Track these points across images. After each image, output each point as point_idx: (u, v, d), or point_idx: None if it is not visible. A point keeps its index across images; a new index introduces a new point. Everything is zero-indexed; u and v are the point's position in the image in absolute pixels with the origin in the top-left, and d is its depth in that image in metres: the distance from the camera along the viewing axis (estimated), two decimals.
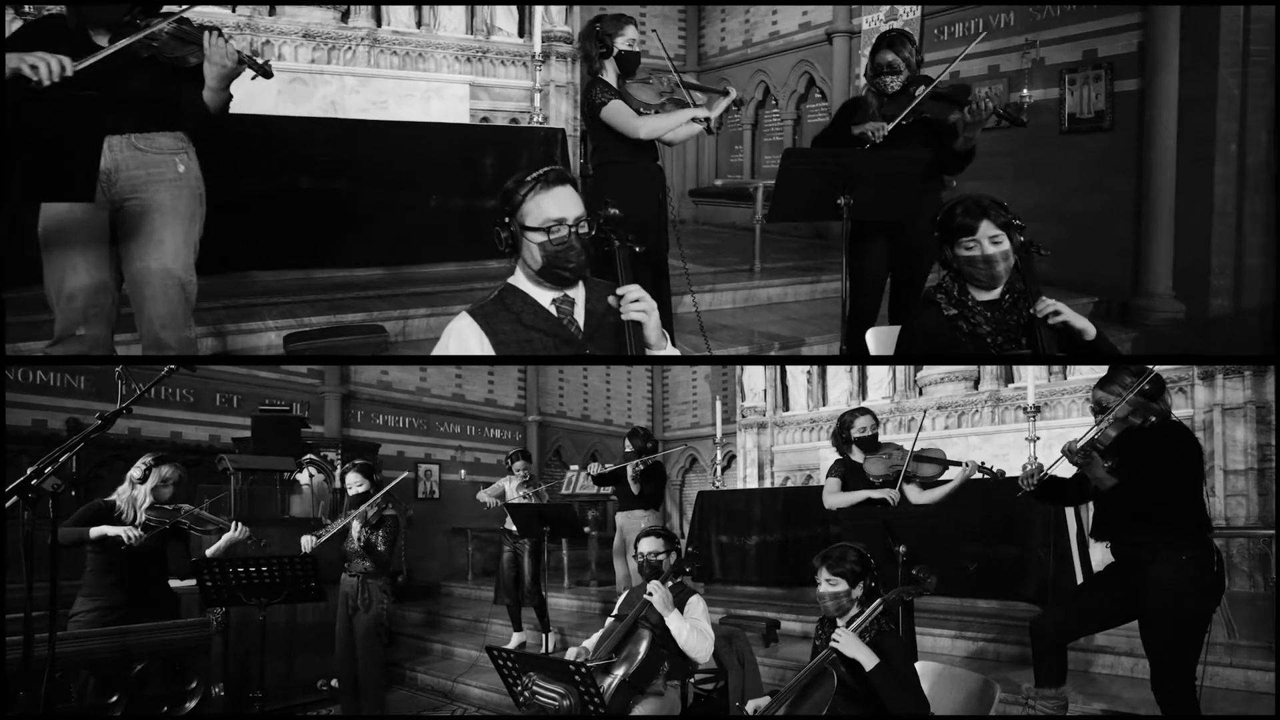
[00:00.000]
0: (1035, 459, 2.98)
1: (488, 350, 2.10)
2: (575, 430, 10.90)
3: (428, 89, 6.90)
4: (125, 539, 3.18)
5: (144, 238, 2.81)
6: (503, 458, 9.67)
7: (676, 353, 2.28)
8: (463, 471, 9.19)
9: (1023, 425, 6.18)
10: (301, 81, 6.37)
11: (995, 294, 2.53)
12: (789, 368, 8.83)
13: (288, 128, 5.16)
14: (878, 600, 2.38)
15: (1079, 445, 2.55)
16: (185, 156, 2.92)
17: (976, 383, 7.42)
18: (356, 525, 3.93)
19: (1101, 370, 2.75)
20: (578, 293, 2.16)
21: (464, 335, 2.10)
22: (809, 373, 8.74)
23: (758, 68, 9.70)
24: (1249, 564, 5.49)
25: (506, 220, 2.09)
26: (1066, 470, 2.77)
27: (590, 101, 3.75)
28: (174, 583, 4.01)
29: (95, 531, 3.17)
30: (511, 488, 5.35)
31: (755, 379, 9.19)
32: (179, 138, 2.91)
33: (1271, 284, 5.45)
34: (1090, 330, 2.47)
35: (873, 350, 3.20)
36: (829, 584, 2.38)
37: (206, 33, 2.68)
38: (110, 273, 2.88)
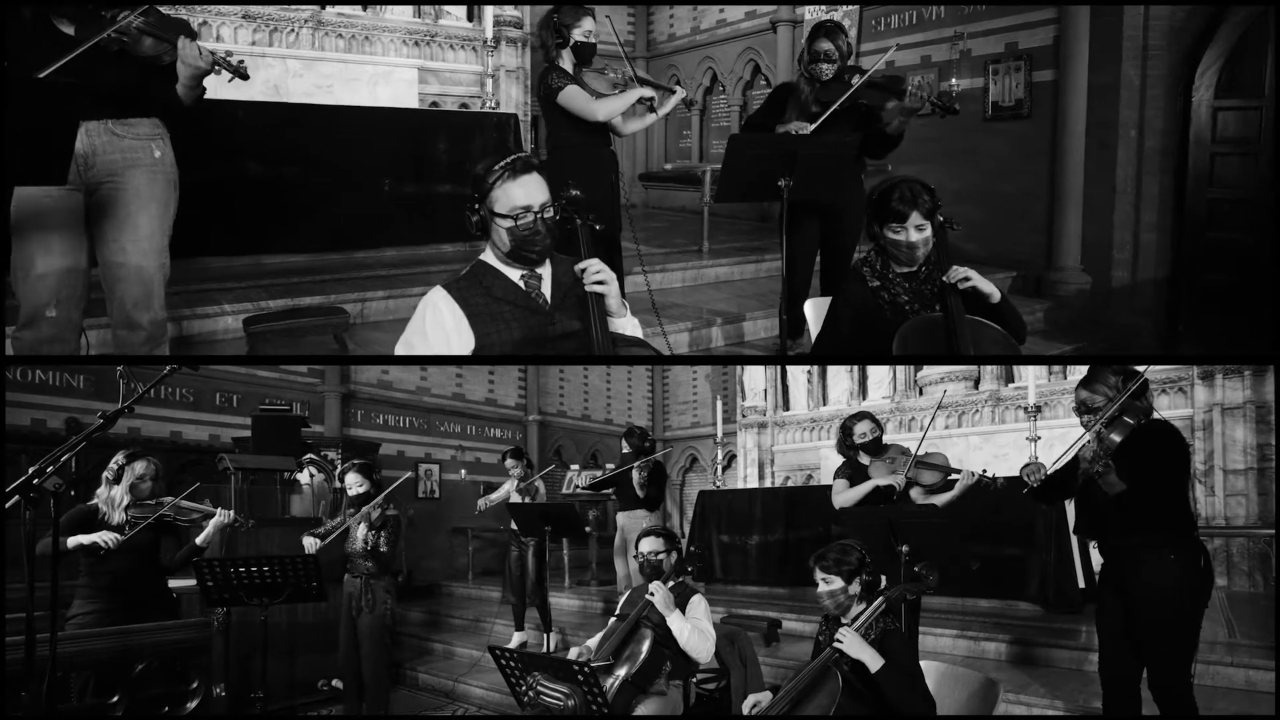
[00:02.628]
0: (1036, 458, 2.99)
1: (460, 319, 2.19)
2: (576, 430, 10.90)
3: (375, 73, 6.80)
4: (102, 544, 3.12)
5: (119, 221, 2.84)
6: (503, 458, 9.75)
7: (634, 321, 2.38)
8: (463, 471, 9.19)
9: (1023, 425, 6.19)
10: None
11: (916, 267, 2.81)
12: (789, 368, 8.83)
13: (236, 112, 4.97)
14: (880, 599, 2.38)
15: (1096, 451, 2.53)
16: (161, 142, 2.94)
17: (977, 382, 7.42)
18: (362, 527, 3.91)
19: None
20: (544, 268, 2.30)
21: (438, 306, 2.20)
22: (809, 372, 8.74)
23: (705, 54, 9.96)
24: (1249, 564, 5.49)
25: (476, 206, 2.20)
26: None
27: (547, 86, 3.85)
28: (174, 582, 4.01)
29: (71, 542, 3.11)
30: (512, 487, 5.34)
31: (755, 379, 9.18)
32: (156, 124, 2.94)
33: (1167, 261, 6.05)
34: (996, 294, 2.76)
35: (809, 319, 3.37)
36: (825, 582, 2.40)
37: (181, 38, 2.72)
38: (83, 255, 2.89)
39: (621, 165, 7.87)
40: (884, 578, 2.64)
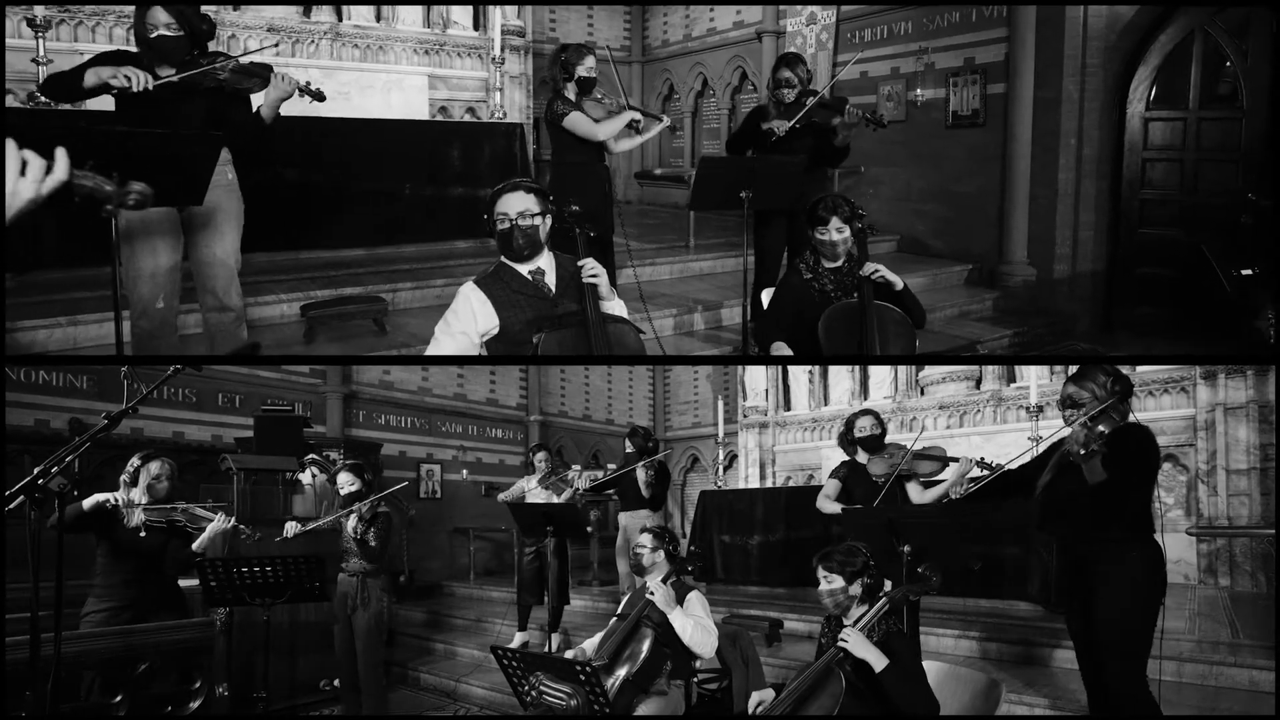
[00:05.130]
0: (983, 458, 3.17)
1: (486, 304, 2.79)
2: (577, 430, 10.91)
3: (388, 80, 7.24)
4: (112, 502, 3.19)
5: (210, 230, 3.61)
6: (503, 458, 9.77)
7: (621, 303, 3.03)
8: (464, 471, 9.19)
9: (1025, 425, 6.20)
10: None
11: (840, 262, 3.48)
12: (791, 368, 8.83)
13: (275, 125, 5.33)
14: (883, 599, 2.38)
15: (1083, 437, 2.58)
16: (231, 168, 3.63)
17: (978, 382, 7.43)
18: (352, 519, 3.93)
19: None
20: (548, 265, 2.90)
21: (469, 296, 2.81)
22: (810, 372, 8.74)
23: (697, 60, 10.46)
24: (1251, 564, 5.49)
25: (486, 217, 2.86)
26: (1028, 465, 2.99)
27: (554, 112, 4.55)
28: (179, 582, 4.01)
29: (88, 502, 3.17)
30: (532, 484, 5.34)
31: (757, 379, 9.19)
32: (227, 153, 3.59)
33: (1103, 255, 6.71)
34: (899, 283, 3.44)
35: (764, 302, 3.92)
36: (826, 580, 2.41)
37: (273, 71, 3.49)
38: (180, 256, 3.60)
39: (619, 163, 8.54)
40: (888, 582, 2.64)
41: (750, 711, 2.53)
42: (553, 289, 2.88)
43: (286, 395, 7.31)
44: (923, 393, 7.77)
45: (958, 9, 7.23)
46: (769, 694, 2.57)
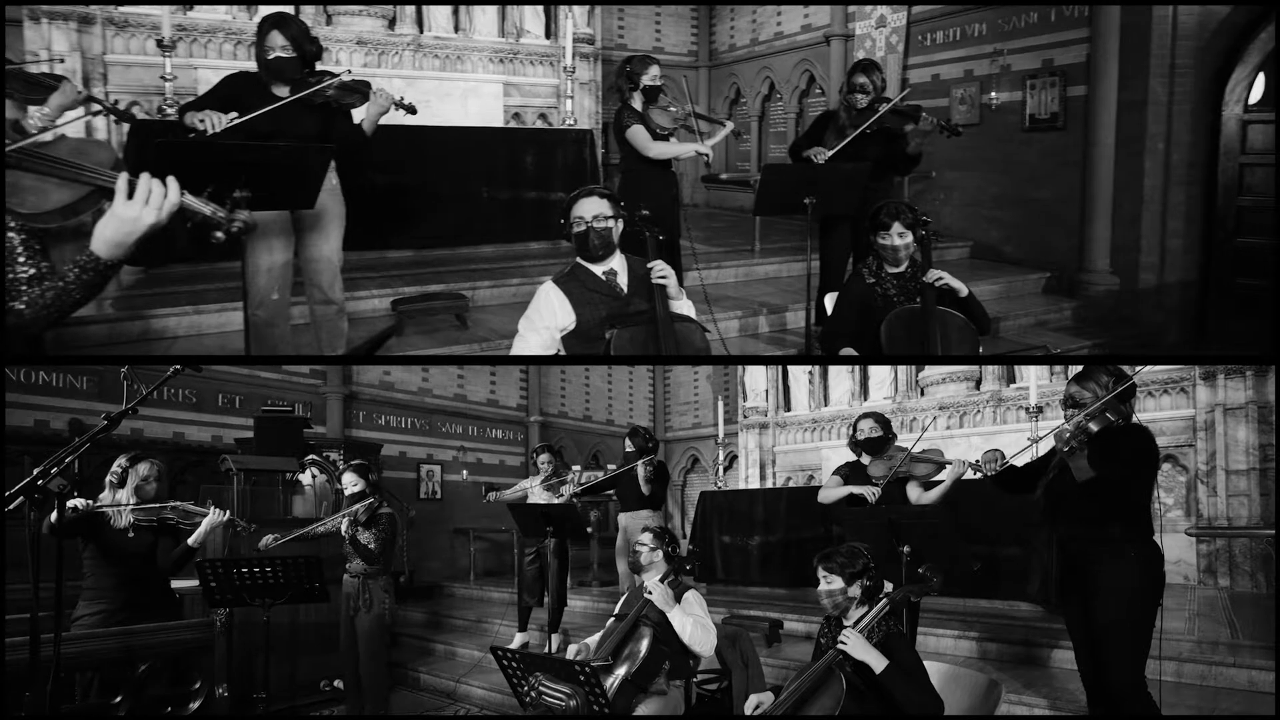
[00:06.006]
0: (993, 450, 3.16)
1: (564, 301, 2.96)
2: (577, 430, 10.90)
3: (465, 88, 7.67)
4: (79, 507, 3.14)
5: (318, 231, 3.97)
6: (503, 459, 9.77)
7: (689, 303, 3.19)
8: (465, 472, 9.19)
9: (1025, 425, 6.20)
10: None
11: (903, 268, 3.50)
12: (791, 368, 8.83)
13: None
14: (884, 600, 2.38)
15: (1069, 431, 2.60)
16: (335, 175, 3.93)
17: (978, 383, 7.42)
18: (345, 521, 3.94)
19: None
20: (620, 266, 3.07)
21: (549, 293, 2.99)
22: (810, 373, 8.73)
23: (764, 64, 10.39)
24: (1251, 564, 5.49)
25: (562, 221, 3.05)
26: (1028, 459, 3.04)
27: (619, 123, 4.77)
28: (178, 583, 4.00)
29: (76, 502, 3.14)
30: (535, 484, 5.34)
31: (757, 379, 9.18)
32: (332, 160, 3.83)
33: (1194, 265, 6.41)
34: (964, 290, 3.42)
35: (828, 308, 3.99)
36: (826, 580, 2.42)
37: (372, 88, 3.82)
38: (292, 253, 3.95)
39: (686, 168, 9.02)
40: (889, 583, 2.65)
41: (748, 712, 2.52)
42: (625, 288, 3.04)
43: (287, 396, 7.32)
44: (923, 393, 7.77)
45: (1036, 9, 6.98)
46: (768, 696, 2.57)
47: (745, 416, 9.23)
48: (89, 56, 6.08)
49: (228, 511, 3.46)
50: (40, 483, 2.05)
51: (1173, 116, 6.25)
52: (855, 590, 2.39)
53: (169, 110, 5.28)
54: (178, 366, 2.32)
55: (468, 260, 6.40)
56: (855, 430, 3.88)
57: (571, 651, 3.05)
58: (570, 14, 7.82)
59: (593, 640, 3.09)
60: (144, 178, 1.61)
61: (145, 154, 4.67)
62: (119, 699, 2.99)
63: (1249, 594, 5.34)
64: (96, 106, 4.09)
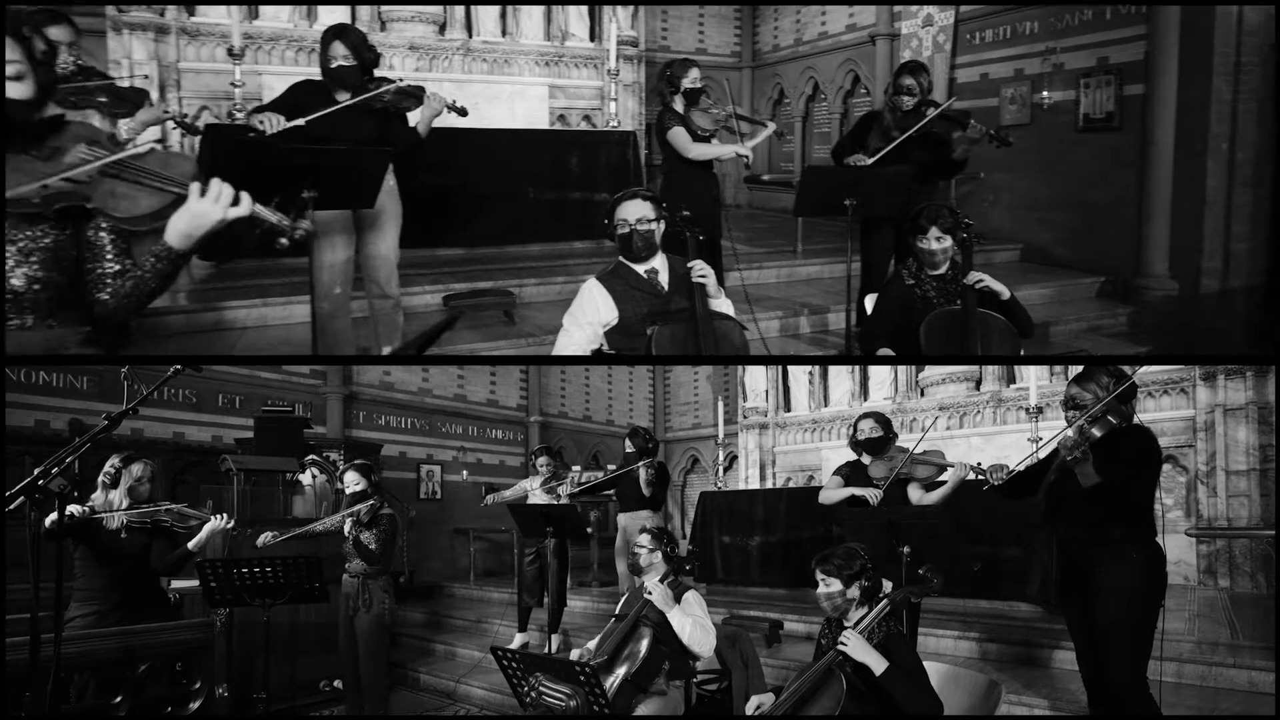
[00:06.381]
0: (980, 464, 3.18)
1: (607, 298, 3.07)
2: (577, 431, 10.91)
3: (512, 91, 7.92)
4: (74, 513, 3.10)
5: (377, 229, 4.18)
6: (503, 459, 9.77)
7: (728, 302, 3.27)
8: (465, 472, 9.19)
9: (1025, 426, 6.19)
10: None
11: (943, 270, 3.50)
12: (791, 368, 8.83)
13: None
14: (884, 601, 2.38)
15: (1073, 440, 2.59)
16: (391, 175, 4.12)
17: (978, 383, 7.42)
18: (348, 523, 3.93)
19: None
20: (662, 265, 3.16)
21: (593, 290, 3.10)
22: (810, 373, 8.73)
23: (808, 65, 10.35)
24: (1251, 565, 5.49)
25: (606, 222, 3.15)
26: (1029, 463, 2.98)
27: (661, 125, 4.83)
28: (178, 583, 4.00)
29: (74, 509, 3.11)
30: (534, 485, 5.34)
31: (757, 379, 9.18)
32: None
33: (1261, 270, 6.12)
34: (1005, 292, 3.39)
35: (868, 310, 3.98)
36: (824, 583, 2.42)
37: (427, 95, 4.02)
38: (353, 250, 4.16)
39: (730, 168, 9.09)
40: (889, 583, 2.64)
41: (749, 713, 2.52)
42: (665, 287, 3.14)
43: (287, 396, 7.32)
44: (923, 394, 7.76)
45: (1090, 7, 6.80)
46: (768, 697, 2.57)
47: (745, 417, 9.23)
48: (164, 64, 6.59)
49: (224, 515, 3.45)
50: (41, 483, 2.05)
51: (1238, 115, 6.00)
52: (854, 592, 2.39)
53: (238, 114, 5.68)
54: (178, 367, 2.32)
55: (515, 258, 6.64)
56: (856, 430, 3.88)
57: (573, 655, 3.05)
58: (614, 17, 8.03)
59: (592, 644, 3.09)
60: (215, 180, 1.81)
61: (218, 155, 5.15)
62: (119, 699, 2.99)
63: (1249, 595, 5.34)
64: (171, 121, 4.52)
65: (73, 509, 3.15)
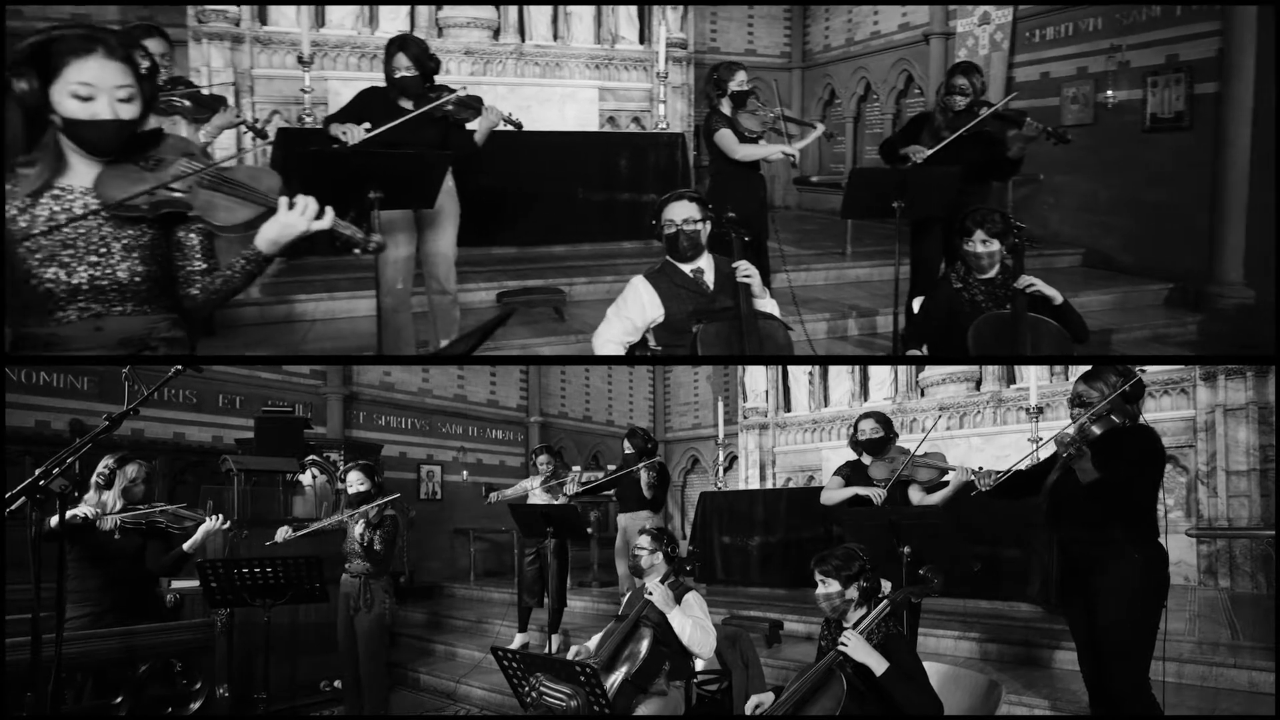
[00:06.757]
0: (981, 467, 3.15)
1: (654, 296, 3.16)
2: (577, 431, 10.91)
3: (563, 94, 8.12)
4: (80, 516, 3.12)
5: (436, 228, 4.43)
6: (503, 459, 9.77)
7: (773, 302, 3.35)
8: (465, 472, 9.20)
9: (1025, 426, 6.19)
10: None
11: (992, 274, 3.41)
12: (790, 368, 8.83)
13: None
14: (884, 602, 2.38)
15: (1070, 437, 2.59)
16: (450, 177, 4.29)
17: (978, 384, 7.42)
18: (360, 524, 3.92)
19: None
20: (708, 265, 3.24)
21: (639, 288, 3.20)
22: (810, 373, 8.74)
23: (859, 65, 10.18)
24: (1251, 565, 5.49)
25: (654, 222, 3.24)
26: (1029, 465, 2.96)
27: (708, 127, 4.86)
28: (178, 584, 4.00)
29: (78, 511, 3.12)
30: (535, 485, 5.34)
31: (757, 380, 9.19)
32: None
33: None
34: (1058, 297, 3.30)
35: (915, 310, 3.95)
36: (822, 585, 2.42)
37: (485, 106, 4.25)
38: (414, 248, 4.40)
39: (779, 170, 9.46)
40: (889, 584, 2.64)
41: (748, 713, 2.52)
42: (711, 286, 3.22)
43: (287, 396, 7.32)
44: (923, 394, 7.77)
45: (1160, 4, 6.53)
46: (768, 697, 2.57)
47: (745, 417, 9.23)
48: (239, 71, 7.02)
49: (219, 516, 3.45)
50: (42, 483, 2.05)
51: None
52: (853, 593, 2.39)
53: (307, 118, 6.23)
54: (178, 367, 2.31)
55: (565, 258, 6.84)
56: (857, 431, 3.87)
57: (572, 654, 3.05)
58: (664, 19, 8.15)
59: (592, 642, 3.09)
60: (301, 196, 2.05)
61: (289, 157, 5.64)
62: (119, 699, 2.99)
63: (1249, 595, 5.34)
64: (243, 125, 4.77)
65: (81, 510, 3.16)
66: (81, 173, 1.97)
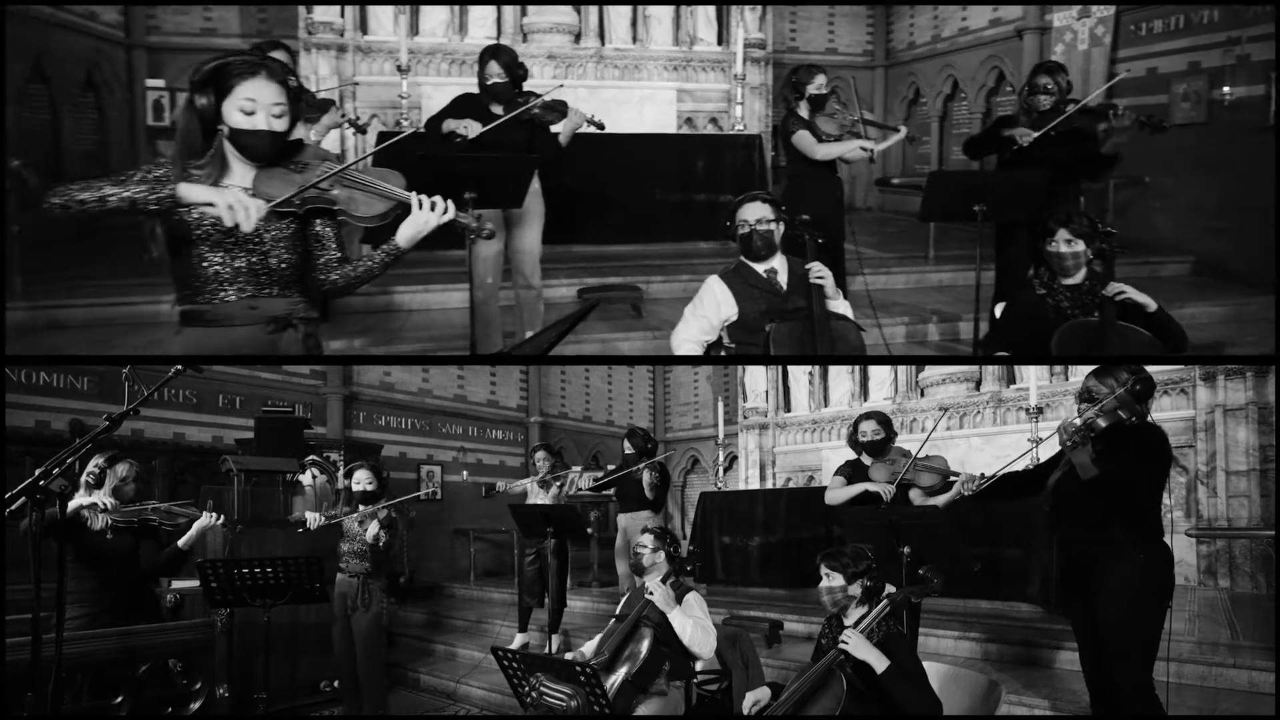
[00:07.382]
0: (984, 474, 3.11)
1: (728, 294, 3.25)
2: (577, 431, 10.91)
3: (642, 96, 8.32)
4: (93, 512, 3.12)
5: (523, 225, 4.65)
6: (503, 459, 9.77)
7: (847, 304, 3.41)
8: (465, 473, 9.19)
9: (1025, 426, 6.19)
10: None
11: (1078, 279, 3.25)
12: (790, 368, 8.83)
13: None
14: (884, 601, 2.38)
15: (1074, 426, 2.57)
16: (536, 177, 4.52)
17: (978, 384, 7.42)
18: (374, 524, 3.92)
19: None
20: (781, 265, 3.33)
21: (714, 287, 3.29)
22: (810, 373, 8.74)
23: (946, 62, 9.89)
24: (1251, 565, 5.49)
25: (728, 223, 3.34)
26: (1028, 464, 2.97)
27: (785, 129, 4.90)
28: (179, 584, 3.99)
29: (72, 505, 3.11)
30: (534, 484, 5.34)
31: (757, 380, 9.18)
32: None
33: None
34: (1151, 305, 3.17)
35: (998, 315, 3.86)
36: (826, 578, 2.43)
37: (570, 110, 4.48)
38: (503, 245, 4.63)
39: (861, 170, 9.55)
40: (890, 586, 2.64)
41: (746, 711, 2.53)
42: (784, 286, 3.30)
43: (287, 396, 7.32)
44: (923, 394, 7.77)
45: None
46: (765, 692, 2.57)
47: (745, 417, 9.23)
48: (343, 78, 7.64)
49: (213, 514, 3.44)
50: (42, 484, 2.05)
51: None
52: (855, 589, 2.40)
53: (404, 122, 6.61)
54: (179, 367, 2.32)
55: (643, 256, 7.02)
56: (857, 432, 3.86)
57: (569, 655, 3.05)
58: (742, 20, 8.22)
59: (589, 647, 3.09)
60: (437, 197, 2.28)
61: (404, 157, 5.69)
62: (119, 699, 2.99)
63: (1249, 595, 5.34)
64: (346, 123, 5.21)
65: (75, 503, 3.15)
66: (240, 175, 2.25)
